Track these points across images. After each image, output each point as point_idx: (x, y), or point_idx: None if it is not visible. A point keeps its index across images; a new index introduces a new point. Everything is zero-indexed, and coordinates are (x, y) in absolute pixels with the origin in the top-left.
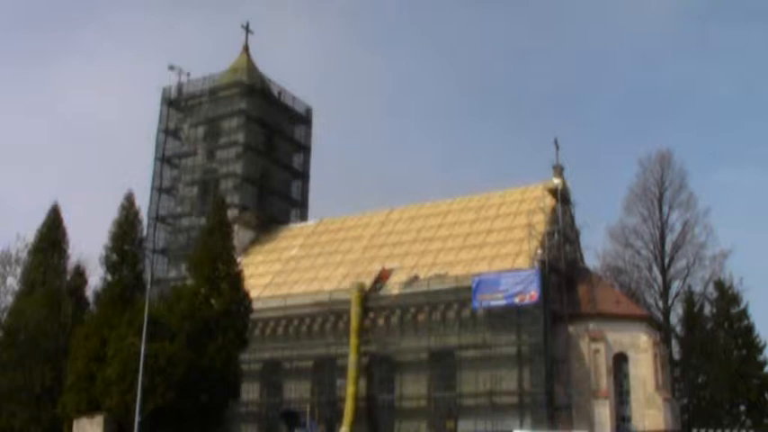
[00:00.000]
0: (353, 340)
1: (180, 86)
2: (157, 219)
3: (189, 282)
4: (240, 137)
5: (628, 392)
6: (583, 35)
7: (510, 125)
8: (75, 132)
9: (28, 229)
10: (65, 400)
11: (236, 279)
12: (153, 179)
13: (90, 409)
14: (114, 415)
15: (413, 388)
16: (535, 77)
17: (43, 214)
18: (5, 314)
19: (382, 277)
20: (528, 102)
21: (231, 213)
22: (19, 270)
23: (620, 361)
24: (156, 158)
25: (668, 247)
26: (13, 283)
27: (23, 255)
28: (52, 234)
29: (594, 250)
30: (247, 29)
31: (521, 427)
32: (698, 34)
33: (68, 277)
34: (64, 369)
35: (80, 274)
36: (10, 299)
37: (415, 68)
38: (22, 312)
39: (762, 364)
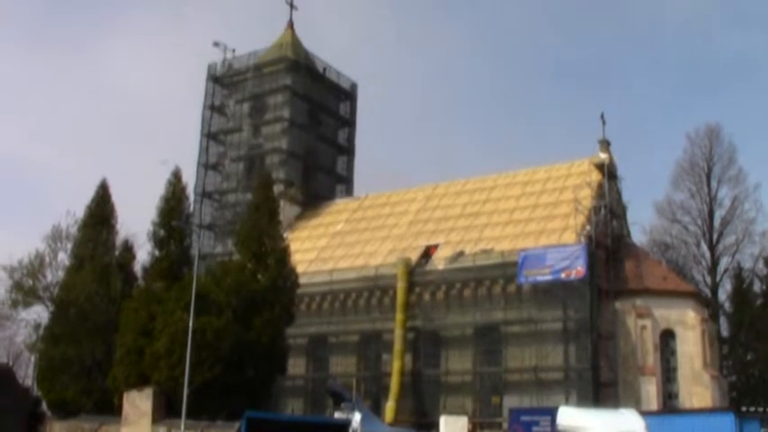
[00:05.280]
0: (399, 315)
1: (225, 63)
2: (204, 195)
3: (235, 257)
4: (285, 113)
5: (675, 369)
6: (631, 4)
7: (556, 99)
8: (124, 109)
9: (78, 205)
10: (115, 372)
11: (283, 254)
12: (199, 155)
13: (139, 382)
14: (163, 388)
15: (458, 363)
16: (582, 50)
17: (92, 190)
18: (57, 288)
19: (428, 252)
20: (575, 75)
21: (277, 189)
22: (69, 245)
23: (666, 337)
24: (202, 135)
25: (717, 222)
26: (64, 258)
27: (73, 230)
28: (101, 210)
29: (641, 226)
30: (291, 5)
31: (566, 402)
32: (751, 2)
33: (117, 252)
34: (114, 342)
35: (128, 249)
36: (61, 274)
37: (462, 42)
38: (73, 287)
39: None
